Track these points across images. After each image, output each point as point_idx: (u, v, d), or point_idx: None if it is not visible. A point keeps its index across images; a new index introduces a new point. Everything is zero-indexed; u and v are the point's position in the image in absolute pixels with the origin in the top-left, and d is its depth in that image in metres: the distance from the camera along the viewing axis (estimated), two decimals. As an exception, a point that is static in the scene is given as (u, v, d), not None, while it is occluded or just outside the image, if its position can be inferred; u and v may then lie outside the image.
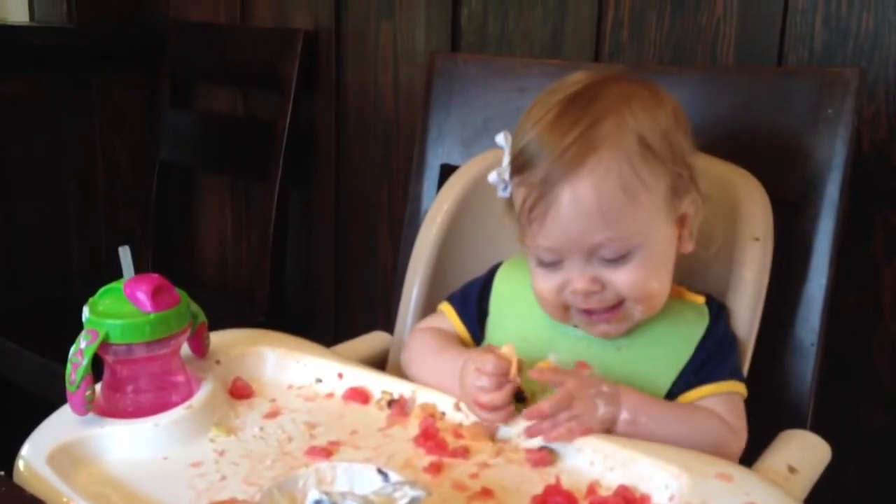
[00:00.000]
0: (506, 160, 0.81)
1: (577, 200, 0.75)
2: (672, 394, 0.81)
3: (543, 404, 0.74)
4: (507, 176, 0.81)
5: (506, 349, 0.78)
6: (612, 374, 0.80)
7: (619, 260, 0.77)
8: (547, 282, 0.80)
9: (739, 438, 0.79)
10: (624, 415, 0.75)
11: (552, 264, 0.79)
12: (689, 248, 0.82)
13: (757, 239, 0.88)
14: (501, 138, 0.81)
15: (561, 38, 1.32)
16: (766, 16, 1.14)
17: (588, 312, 0.80)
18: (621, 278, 0.77)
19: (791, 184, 0.94)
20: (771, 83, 0.98)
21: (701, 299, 0.85)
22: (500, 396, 0.76)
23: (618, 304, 0.79)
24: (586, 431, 0.74)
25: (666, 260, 0.80)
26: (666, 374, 0.81)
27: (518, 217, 0.81)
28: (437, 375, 0.84)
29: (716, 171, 0.92)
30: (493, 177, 0.82)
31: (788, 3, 1.12)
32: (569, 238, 0.77)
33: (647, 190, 0.77)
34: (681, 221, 0.81)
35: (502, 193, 0.83)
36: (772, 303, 0.89)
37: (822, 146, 0.93)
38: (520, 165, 0.79)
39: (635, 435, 0.75)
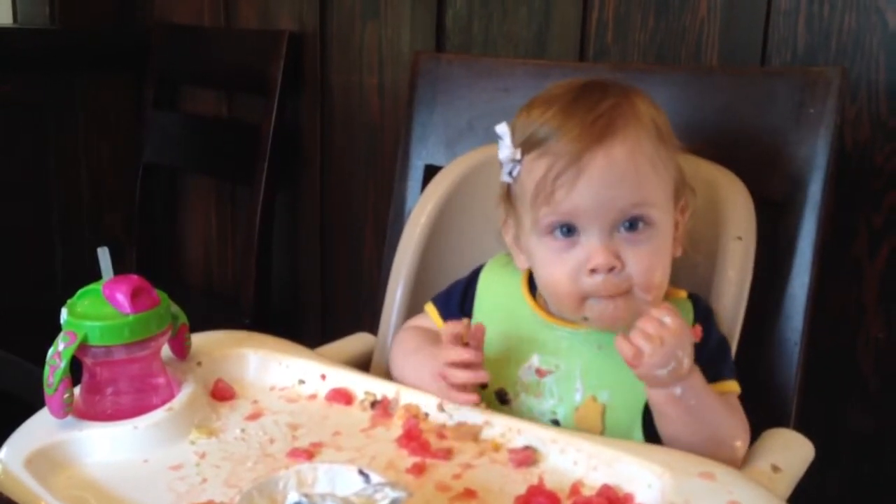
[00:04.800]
0: (506, 149, 0.80)
1: (612, 164, 0.76)
2: None
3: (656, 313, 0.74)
4: (517, 156, 0.80)
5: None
6: (595, 374, 0.80)
7: (640, 234, 0.77)
8: (561, 266, 0.78)
9: (749, 433, 0.79)
10: (677, 391, 0.74)
11: (566, 239, 0.77)
12: (677, 252, 0.83)
13: (740, 238, 0.88)
14: (503, 127, 0.81)
15: (545, 40, 1.32)
16: (750, 17, 1.15)
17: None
18: (637, 259, 0.76)
19: (774, 183, 0.94)
20: (754, 83, 0.98)
21: (683, 293, 0.85)
22: (463, 352, 0.77)
23: (626, 293, 0.78)
24: (650, 367, 0.73)
25: (669, 253, 0.80)
26: None
27: (534, 192, 0.78)
28: (415, 373, 0.84)
29: (699, 171, 0.92)
30: (504, 153, 0.81)
31: (771, 5, 1.13)
32: (599, 202, 0.76)
33: (665, 170, 0.79)
34: (675, 226, 0.82)
35: (507, 178, 0.82)
36: (756, 302, 0.89)
37: (805, 146, 0.93)
38: (538, 140, 0.78)
39: (671, 410, 0.75)
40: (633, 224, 0.77)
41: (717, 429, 0.76)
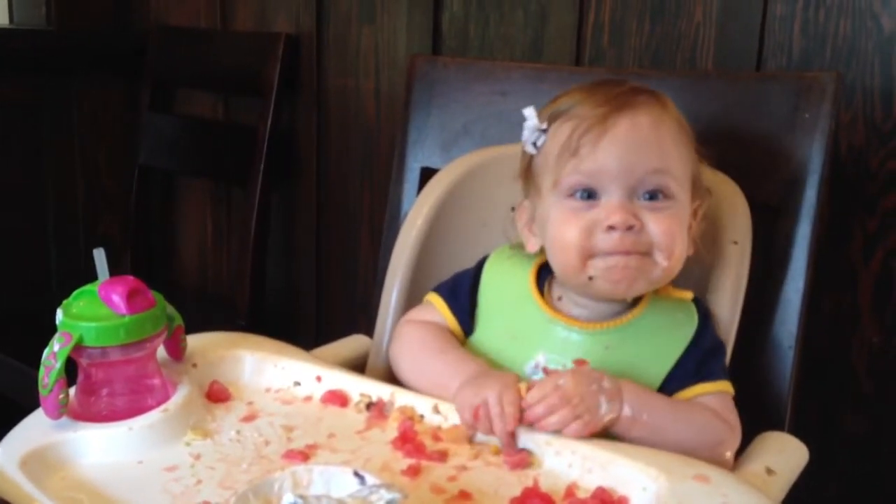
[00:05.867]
0: (531, 126, 0.82)
1: (636, 129, 0.78)
2: (662, 393, 0.81)
3: (532, 393, 0.74)
4: (543, 126, 0.82)
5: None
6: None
7: (659, 203, 0.78)
8: (574, 225, 0.78)
9: (736, 435, 0.80)
10: (626, 411, 0.74)
11: (585, 200, 0.78)
12: (690, 250, 0.83)
13: (736, 243, 0.89)
14: (530, 110, 0.83)
15: (542, 43, 1.33)
16: (745, 22, 1.15)
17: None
18: (657, 223, 0.77)
19: (770, 188, 0.95)
20: (749, 88, 0.98)
21: (689, 294, 0.85)
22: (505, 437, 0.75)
23: (643, 254, 0.78)
24: (592, 430, 0.73)
25: (686, 232, 0.81)
26: (655, 373, 0.81)
27: (559, 151, 0.79)
28: (439, 376, 0.83)
29: (695, 174, 0.93)
30: (529, 125, 0.82)
31: (767, 10, 1.13)
32: (622, 164, 0.77)
33: (687, 155, 0.81)
34: (688, 226, 0.82)
35: (531, 149, 0.83)
36: (751, 305, 0.89)
37: (800, 150, 0.93)
38: (563, 111, 0.81)
39: (635, 433, 0.74)
40: (653, 195, 0.78)
41: (692, 437, 0.76)
